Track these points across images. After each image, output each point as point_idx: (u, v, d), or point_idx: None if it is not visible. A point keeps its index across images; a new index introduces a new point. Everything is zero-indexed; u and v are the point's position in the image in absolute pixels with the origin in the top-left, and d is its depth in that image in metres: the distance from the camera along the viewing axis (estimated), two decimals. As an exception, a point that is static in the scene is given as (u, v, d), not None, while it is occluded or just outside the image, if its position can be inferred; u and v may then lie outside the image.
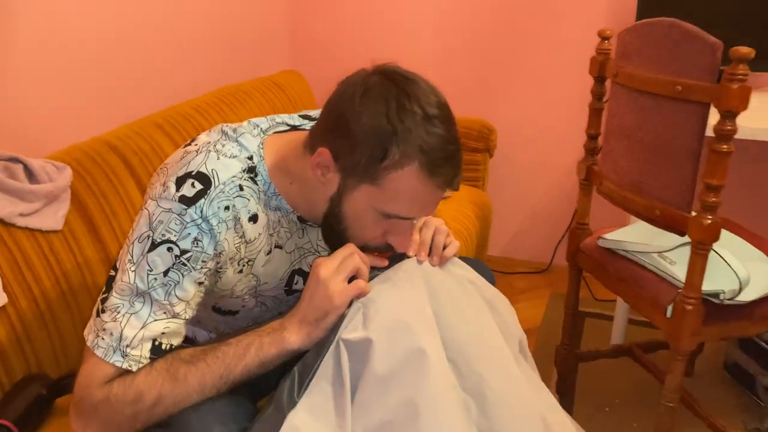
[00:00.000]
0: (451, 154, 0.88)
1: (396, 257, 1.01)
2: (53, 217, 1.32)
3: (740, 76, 1.15)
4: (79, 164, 1.43)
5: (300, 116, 1.08)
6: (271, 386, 0.96)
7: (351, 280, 0.94)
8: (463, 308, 1.02)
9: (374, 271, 0.99)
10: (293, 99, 2.21)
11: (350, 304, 0.93)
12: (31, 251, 1.25)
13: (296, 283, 1.07)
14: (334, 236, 0.96)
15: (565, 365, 1.81)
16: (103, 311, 0.90)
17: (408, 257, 1.01)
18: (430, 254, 1.02)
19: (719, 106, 1.18)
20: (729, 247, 1.42)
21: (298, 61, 2.61)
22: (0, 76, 1.43)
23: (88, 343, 0.90)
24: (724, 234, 1.49)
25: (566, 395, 1.84)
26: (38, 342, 1.24)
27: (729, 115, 1.18)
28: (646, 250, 1.46)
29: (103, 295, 0.92)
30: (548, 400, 1.13)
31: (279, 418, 0.85)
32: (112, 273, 0.93)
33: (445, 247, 1.03)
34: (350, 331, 0.89)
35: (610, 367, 1.94)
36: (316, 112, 1.10)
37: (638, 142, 1.39)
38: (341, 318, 0.92)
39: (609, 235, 1.57)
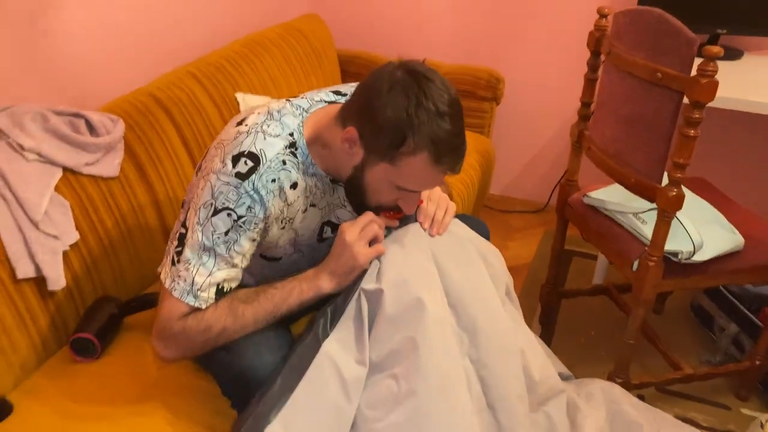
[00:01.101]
0: (456, 146, 1.09)
1: (406, 218, 1.24)
2: (111, 165, 1.53)
3: (709, 72, 1.32)
4: (128, 116, 1.62)
5: (332, 92, 1.27)
6: (296, 318, 1.21)
7: (372, 243, 1.17)
8: (461, 263, 1.25)
9: (387, 230, 1.22)
10: (315, 46, 2.35)
11: (370, 262, 1.17)
12: (95, 195, 1.48)
13: (325, 233, 1.30)
14: (355, 196, 1.19)
15: (548, 301, 2.07)
16: (178, 261, 1.14)
17: (416, 221, 1.23)
18: (432, 224, 1.24)
19: (689, 96, 1.35)
20: (695, 210, 1.63)
21: (316, 4, 2.72)
22: (55, 37, 1.61)
23: (167, 286, 1.14)
24: (694, 198, 1.70)
25: (548, 326, 2.11)
26: (102, 271, 1.49)
27: (697, 105, 1.35)
28: (623, 210, 1.67)
29: (177, 249, 1.16)
30: (526, 334, 1.38)
31: (316, 346, 1.12)
32: (183, 231, 1.17)
33: (445, 215, 1.25)
34: (367, 283, 1.14)
35: (589, 303, 2.19)
36: (346, 88, 1.30)
37: (623, 116, 1.57)
38: (363, 272, 1.16)
39: (593, 194, 1.78)
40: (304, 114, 1.20)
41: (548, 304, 2.07)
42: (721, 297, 1.98)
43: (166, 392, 1.26)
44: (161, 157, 1.66)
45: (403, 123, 1.05)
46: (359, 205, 1.20)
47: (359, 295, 1.15)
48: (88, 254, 1.45)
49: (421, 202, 1.26)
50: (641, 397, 1.83)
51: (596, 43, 1.68)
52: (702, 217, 1.61)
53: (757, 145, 2.43)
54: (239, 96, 1.96)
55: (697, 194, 1.80)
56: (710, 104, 1.78)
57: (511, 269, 2.49)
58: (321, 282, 1.17)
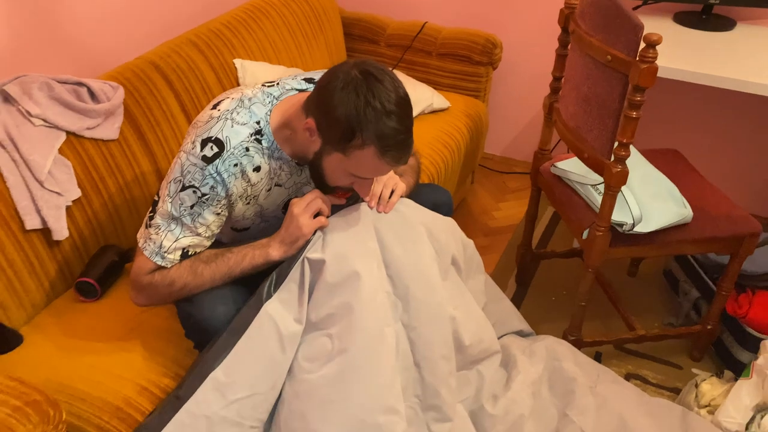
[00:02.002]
0: (400, 141, 1.21)
1: (353, 198, 1.38)
2: (111, 129, 1.71)
3: (649, 59, 1.40)
4: (129, 82, 1.78)
5: (304, 79, 1.40)
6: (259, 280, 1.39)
7: (317, 216, 1.33)
8: (403, 239, 1.41)
9: (335, 208, 1.37)
10: (317, 10, 2.45)
11: (314, 233, 1.33)
12: (95, 156, 1.66)
13: None
14: (317, 178, 1.34)
15: (522, 261, 2.20)
16: (150, 225, 1.32)
17: (362, 201, 1.38)
18: (379, 203, 1.39)
19: (631, 80, 1.44)
20: (650, 184, 1.73)
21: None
22: (65, 9, 1.77)
23: (140, 245, 1.33)
24: (653, 172, 1.79)
25: (523, 285, 2.25)
26: (104, 224, 1.69)
27: (638, 89, 1.44)
28: (583, 181, 1.78)
29: (150, 214, 1.34)
30: (467, 303, 1.53)
31: (258, 305, 1.29)
32: (156, 198, 1.34)
33: (392, 194, 1.39)
34: (312, 252, 1.31)
35: (566, 264, 2.31)
36: (318, 75, 1.41)
37: (582, 94, 1.65)
38: (307, 242, 1.33)
39: (559, 164, 1.88)
40: (274, 102, 1.33)
41: (523, 264, 2.21)
42: (688, 263, 2.08)
43: (147, 332, 1.47)
44: (160, 121, 1.83)
45: (352, 120, 1.18)
46: (321, 185, 1.35)
47: (303, 262, 1.31)
48: (91, 210, 1.65)
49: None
50: (598, 354, 1.97)
51: (565, 20, 1.75)
52: (655, 191, 1.70)
53: (737, 121, 2.46)
54: (238, 62, 2.09)
55: (665, 165, 1.89)
56: (692, 81, 1.86)
57: (500, 229, 2.64)
58: (270, 249, 1.34)
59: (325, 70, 1.32)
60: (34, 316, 1.55)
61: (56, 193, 1.54)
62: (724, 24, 2.23)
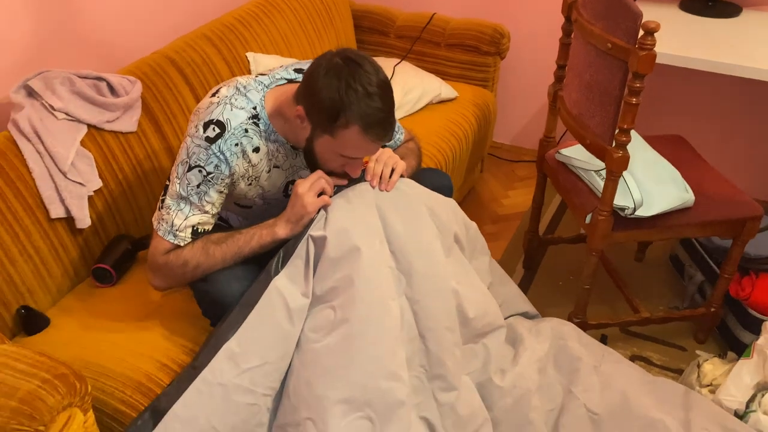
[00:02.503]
0: (382, 120, 1.29)
1: (355, 179, 1.44)
2: (130, 122, 1.78)
3: (647, 46, 1.43)
4: (146, 77, 1.85)
5: (294, 70, 1.47)
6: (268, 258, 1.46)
7: (321, 195, 1.39)
8: (405, 216, 1.46)
9: (339, 187, 1.44)
10: (327, 3, 2.50)
11: (318, 212, 1.40)
12: (115, 148, 1.73)
13: (290, 190, 1.53)
14: (311, 162, 1.42)
15: (529, 247, 2.25)
16: (162, 207, 1.40)
17: (364, 181, 1.44)
18: (380, 181, 1.45)
19: (630, 67, 1.47)
20: (652, 169, 1.76)
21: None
22: (85, 7, 1.84)
23: (155, 227, 1.41)
24: (656, 157, 1.83)
25: (530, 270, 2.30)
26: (123, 212, 1.76)
27: (637, 75, 1.48)
28: (586, 167, 1.82)
29: (162, 197, 1.42)
30: (470, 278, 1.58)
31: (267, 281, 1.36)
32: (167, 183, 1.41)
33: (392, 174, 1.45)
34: (315, 230, 1.38)
35: (574, 250, 2.35)
36: (307, 64, 1.48)
37: (584, 82, 1.69)
38: (312, 220, 1.39)
39: (564, 150, 1.92)
40: (265, 89, 1.42)
41: (530, 250, 2.25)
42: (693, 248, 2.11)
43: (165, 314, 1.54)
44: (176, 114, 1.90)
45: (336, 102, 1.26)
46: (315, 169, 1.42)
47: (307, 239, 1.38)
48: (111, 198, 1.72)
49: (366, 162, 1.46)
50: (604, 337, 2.02)
51: (568, 9, 1.78)
52: (657, 176, 1.74)
53: (742, 107, 2.48)
54: (250, 55, 2.16)
55: (669, 151, 1.92)
56: (698, 68, 1.88)
57: (508, 216, 2.69)
58: (277, 228, 1.41)
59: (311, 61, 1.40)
60: (59, 300, 1.63)
61: (79, 183, 1.62)
62: (730, 10, 2.24)
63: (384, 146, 1.59)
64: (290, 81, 1.45)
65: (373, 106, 1.26)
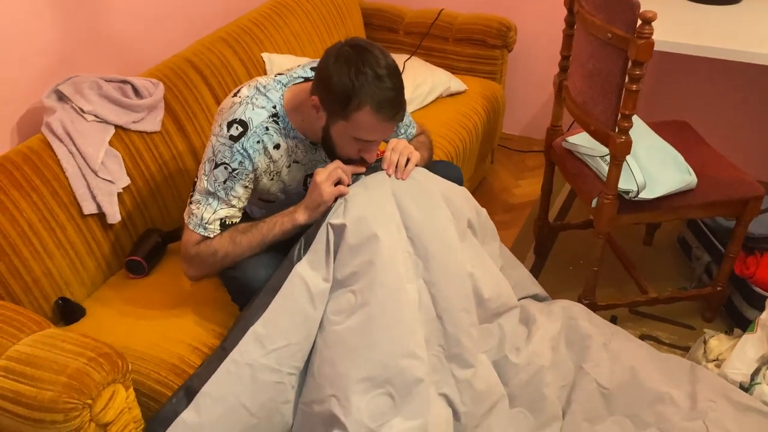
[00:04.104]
0: (391, 99, 1.36)
1: (373, 168, 1.52)
2: (154, 122, 1.87)
3: (645, 34, 1.50)
4: (168, 79, 1.95)
5: (311, 69, 1.55)
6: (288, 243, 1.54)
7: (338, 185, 1.47)
8: (420, 203, 1.54)
9: (356, 176, 1.51)
10: (337, 3, 2.58)
11: (336, 200, 1.48)
12: (141, 147, 1.83)
13: (308, 183, 1.61)
14: (329, 152, 1.50)
15: (540, 233, 2.32)
16: (192, 203, 1.50)
17: (381, 169, 1.52)
18: (396, 170, 1.52)
19: (629, 55, 1.54)
20: (655, 153, 1.83)
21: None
22: (111, 17, 1.94)
23: (185, 221, 1.51)
24: (659, 142, 1.89)
25: (541, 256, 2.37)
26: (150, 207, 1.86)
27: (636, 63, 1.54)
28: (592, 153, 1.89)
29: (192, 193, 1.51)
30: (483, 261, 1.66)
31: (290, 267, 1.45)
32: (196, 180, 1.50)
33: (407, 163, 1.53)
34: (334, 218, 1.46)
35: (584, 235, 2.41)
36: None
37: (587, 71, 1.76)
38: (330, 208, 1.48)
39: (571, 138, 1.99)
40: (283, 88, 1.50)
41: (540, 236, 2.32)
42: (699, 229, 2.17)
43: (195, 301, 1.63)
44: (196, 113, 1.99)
45: (347, 87, 1.34)
46: (333, 158, 1.50)
47: (327, 227, 1.46)
48: (138, 195, 1.82)
49: (382, 152, 1.54)
50: (614, 318, 2.08)
51: (570, 1, 1.85)
52: (660, 159, 1.81)
53: (745, 91, 2.53)
54: (265, 56, 2.25)
55: (672, 136, 1.98)
56: (700, 54, 1.93)
57: (519, 205, 2.76)
58: (297, 215, 1.50)
59: None
60: (93, 292, 1.72)
61: (109, 181, 1.72)
62: (730, -3, 2.29)
63: (397, 135, 1.67)
64: (307, 80, 1.53)
65: (383, 86, 1.34)
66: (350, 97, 1.35)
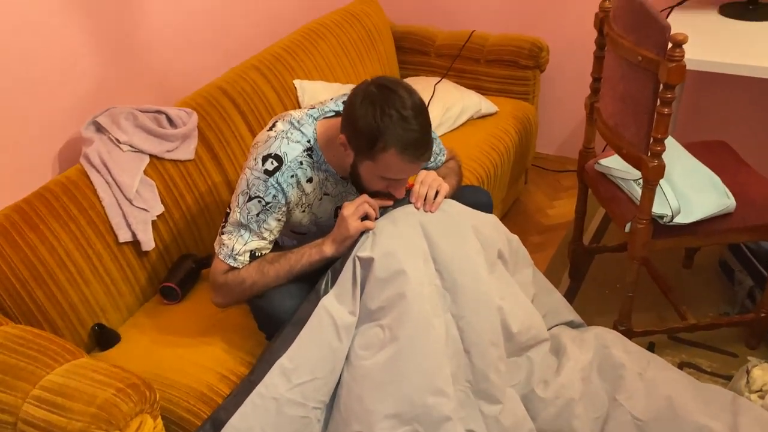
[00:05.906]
0: (416, 140, 1.37)
1: (402, 201, 1.52)
2: (188, 151, 1.91)
3: (676, 57, 1.47)
4: (201, 108, 1.99)
5: (343, 102, 1.56)
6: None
7: (365, 219, 1.48)
8: (449, 235, 1.54)
9: (384, 209, 1.52)
10: (368, 28, 2.61)
11: (362, 234, 1.49)
12: (175, 176, 1.87)
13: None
14: (358, 186, 1.51)
15: (574, 256, 2.28)
16: (223, 233, 1.53)
17: (409, 203, 1.52)
18: (425, 203, 1.53)
19: (660, 78, 1.51)
20: (692, 176, 1.78)
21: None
22: (146, 47, 2.00)
23: (216, 250, 1.53)
24: (696, 164, 1.85)
25: (576, 280, 2.32)
26: (184, 234, 1.89)
27: (668, 86, 1.51)
28: (625, 176, 1.85)
29: (223, 224, 1.54)
30: (514, 294, 1.63)
31: (316, 300, 1.46)
32: (228, 210, 1.53)
33: (437, 195, 1.53)
34: (362, 251, 1.47)
35: (619, 258, 2.36)
36: None
37: (618, 94, 1.73)
38: (356, 241, 1.48)
39: (603, 161, 1.96)
40: (314, 122, 1.52)
41: (575, 260, 2.28)
42: (741, 253, 2.10)
43: (225, 328, 1.65)
44: (229, 141, 2.03)
45: (372, 128, 1.35)
46: (362, 191, 1.51)
47: (354, 261, 1.47)
48: (173, 222, 1.86)
49: (411, 185, 1.54)
50: (652, 344, 2.02)
51: (600, 23, 1.83)
52: (696, 182, 1.76)
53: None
54: (297, 83, 2.28)
55: (711, 157, 1.93)
56: (740, 73, 1.87)
57: (554, 227, 2.72)
58: (324, 247, 1.51)
59: None
60: (128, 318, 1.77)
61: (143, 209, 1.76)
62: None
63: (426, 167, 1.66)
64: (338, 113, 1.55)
65: (408, 128, 1.35)
66: (376, 138, 1.36)
